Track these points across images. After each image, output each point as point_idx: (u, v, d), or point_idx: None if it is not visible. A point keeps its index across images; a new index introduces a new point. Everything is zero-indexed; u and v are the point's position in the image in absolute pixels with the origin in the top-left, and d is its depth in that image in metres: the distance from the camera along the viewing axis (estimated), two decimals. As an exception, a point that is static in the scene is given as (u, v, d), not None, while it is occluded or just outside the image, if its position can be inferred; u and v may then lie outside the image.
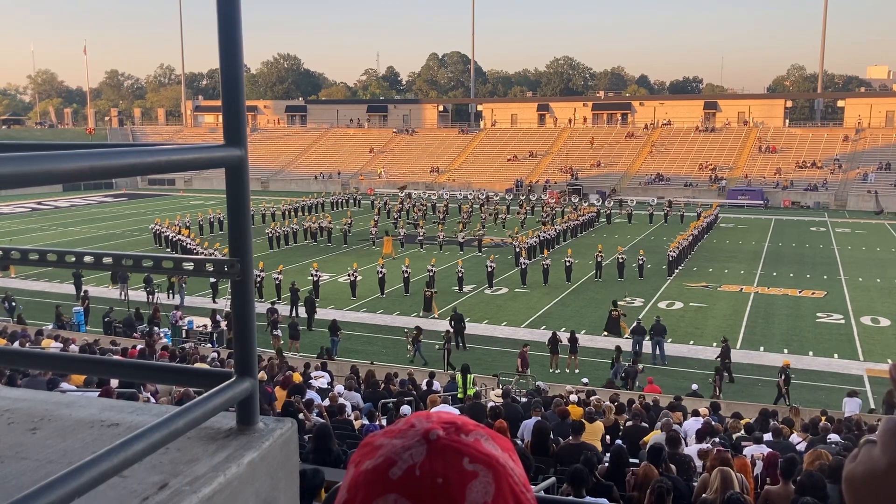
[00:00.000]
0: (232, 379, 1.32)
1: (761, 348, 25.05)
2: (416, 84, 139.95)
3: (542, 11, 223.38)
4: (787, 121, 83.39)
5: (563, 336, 23.53)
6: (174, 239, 40.55)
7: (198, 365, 14.65)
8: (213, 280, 31.87)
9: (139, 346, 17.03)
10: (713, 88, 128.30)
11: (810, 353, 24.51)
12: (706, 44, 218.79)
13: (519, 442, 9.04)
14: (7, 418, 1.44)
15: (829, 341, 25.72)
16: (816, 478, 5.70)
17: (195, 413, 1.20)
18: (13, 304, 26.30)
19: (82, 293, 28.54)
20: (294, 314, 27.76)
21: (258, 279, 31.40)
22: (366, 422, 10.07)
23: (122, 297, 29.80)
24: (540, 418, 10.45)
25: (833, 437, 10.19)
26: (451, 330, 24.37)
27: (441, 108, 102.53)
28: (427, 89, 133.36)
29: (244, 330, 1.35)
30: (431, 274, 31.27)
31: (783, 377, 20.16)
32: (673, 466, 7.01)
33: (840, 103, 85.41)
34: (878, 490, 0.81)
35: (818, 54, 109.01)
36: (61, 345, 17.32)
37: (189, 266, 1.34)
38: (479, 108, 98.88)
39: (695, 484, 6.65)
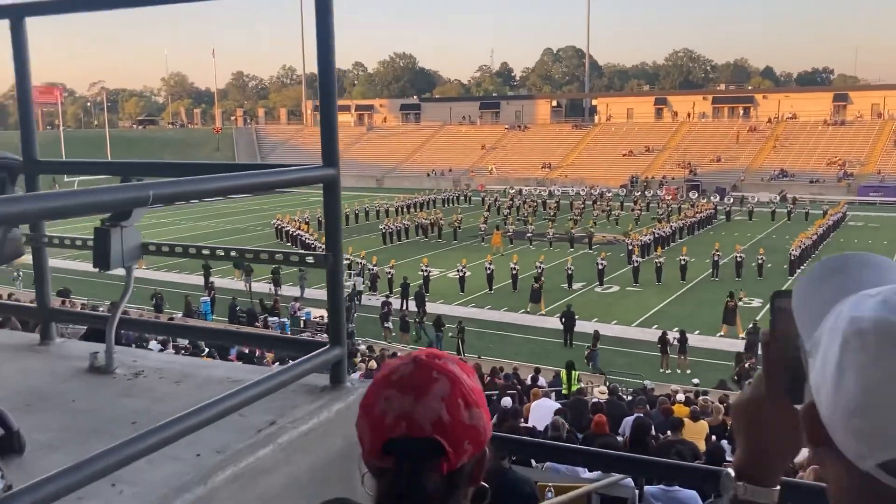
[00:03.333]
0: (325, 347, 1.69)
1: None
2: (530, 80, 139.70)
3: (660, 2, 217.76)
4: (928, 112, 78.16)
5: (673, 336, 23.20)
6: (294, 234, 42.38)
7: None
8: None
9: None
10: (845, 79, 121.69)
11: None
12: (838, 32, 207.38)
13: (619, 438, 9.18)
14: (159, 374, 1.86)
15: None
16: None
17: (296, 371, 1.58)
18: (161, 299, 28.05)
19: (209, 284, 30.35)
20: (405, 307, 28.54)
21: (371, 272, 32.51)
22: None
23: (247, 288, 31.42)
24: (642, 415, 10.53)
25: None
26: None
27: (554, 103, 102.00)
28: (541, 84, 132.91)
29: (336, 307, 1.72)
30: (540, 270, 31.39)
31: None
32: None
33: None
34: (739, 416, 1.06)
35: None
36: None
37: (294, 258, 1.71)
38: (594, 102, 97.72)
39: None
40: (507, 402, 10.34)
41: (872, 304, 0.87)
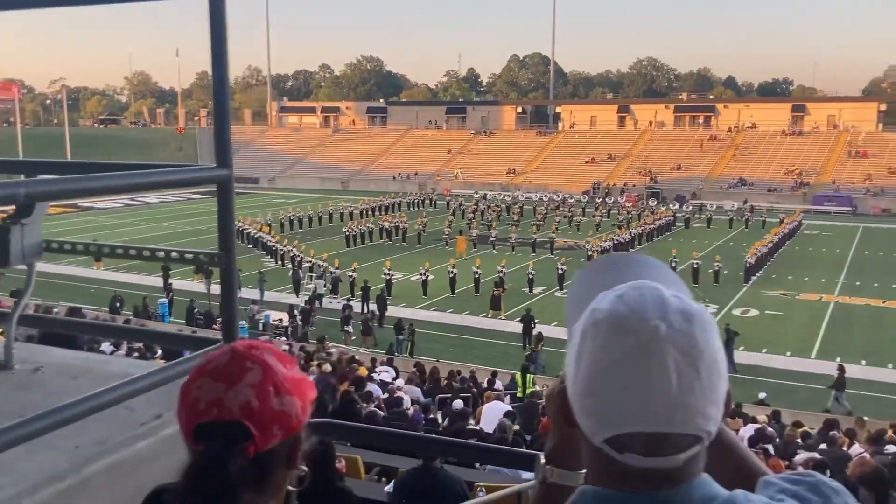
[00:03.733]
0: (218, 343, 1.74)
1: (837, 359, 24.34)
2: (497, 86, 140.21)
3: (625, 12, 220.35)
4: (881, 125, 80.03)
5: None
6: (255, 236, 42.06)
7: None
8: (293, 275, 33.03)
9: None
10: (804, 90, 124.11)
11: (889, 365, 23.73)
12: (798, 44, 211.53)
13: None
14: (57, 370, 1.89)
15: (912, 354, 24.82)
16: (848, 484, 5.79)
17: (185, 366, 1.63)
18: (122, 302, 27.53)
19: (168, 286, 30.01)
20: (365, 311, 28.48)
21: (333, 275, 32.37)
22: (421, 414, 10.52)
23: (208, 291, 31.02)
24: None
25: (891, 447, 10.07)
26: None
27: (519, 109, 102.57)
28: (507, 91, 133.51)
29: (229, 305, 1.77)
30: (502, 275, 31.57)
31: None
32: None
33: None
34: (549, 405, 1.18)
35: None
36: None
37: (189, 256, 1.75)
38: (558, 109, 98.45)
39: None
40: (458, 404, 10.42)
41: (611, 297, 1.00)
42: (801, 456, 9.12)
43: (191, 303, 27.24)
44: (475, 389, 14.91)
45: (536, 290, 32.60)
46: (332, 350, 20.51)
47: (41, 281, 26.29)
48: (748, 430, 10.95)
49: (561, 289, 32.98)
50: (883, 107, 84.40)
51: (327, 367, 12.97)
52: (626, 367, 0.93)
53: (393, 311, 28.48)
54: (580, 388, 0.98)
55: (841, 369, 20.92)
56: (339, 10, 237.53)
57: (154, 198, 69.45)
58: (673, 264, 34.26)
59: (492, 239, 42.85)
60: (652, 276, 1.08)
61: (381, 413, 10.10)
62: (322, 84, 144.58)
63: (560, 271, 33.23)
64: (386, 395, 11.54)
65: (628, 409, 0.93)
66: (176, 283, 31.72)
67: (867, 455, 9.74)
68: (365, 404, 10.21)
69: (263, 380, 1.15)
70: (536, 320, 26.12)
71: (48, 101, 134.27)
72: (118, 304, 26.49)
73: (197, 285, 32.60)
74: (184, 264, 1.79)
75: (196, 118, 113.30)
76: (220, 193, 1.75)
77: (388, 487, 5.17)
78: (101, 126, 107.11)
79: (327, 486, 5.24)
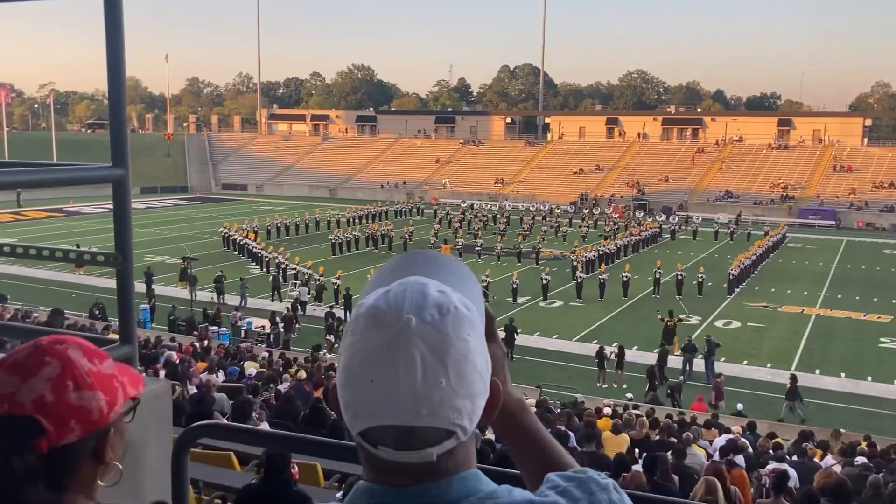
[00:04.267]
0: (115, 344, 1.74)
1: (817, 371, 24.51)
2: (487, 96, 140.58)
3: (616, 24, 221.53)
4: (866, 140, 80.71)
5: (611, 350, 23.51)
6: (241, 242, 41.95)
7: (246, 362, 15.39)
8: (273, 281, 32.99)
9: (195, 343, 17.85)
10: (791, 105, 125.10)
11: (869, 378, 23.85)
12: (786, 59, 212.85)
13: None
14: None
15: (891, 367, 24.93)
16: (811, 494, 5.83)
17: None
18: (103, 308, 27.17)
19: (150, 292, 29.88)
20: (348, 318, 28.38)
21: (318, 283, 32.30)
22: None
23: (192, 297, 30.94)
24: (564, 428, 10.66)
25: (861, 459, 10.11)
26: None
27: (509, 119, 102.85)
28: (497, 101, 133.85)
29: (126, 306, 1.77)
30: (485, 284, 31.57)
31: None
32: (676, 477, 7.19)
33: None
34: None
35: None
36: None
37: (86, 256, 1.75)
38: (547, 120, 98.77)
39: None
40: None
41: (379, 293, 1.01)
42: (770, 466, 9.14)
43: (172, 309, 27.10)
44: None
45: (520, 299, 32.62)
46: (327, 357, 20.45)
47: (21, 285, 26.29)
48: (720, 441, 10.98)
49: (545, 299, 33.04)
50: (868, 122, 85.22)
51: (302, 374, 12.93)
52: (375, 359, 0.94)
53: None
54: (340, 382, 1.00)
55: (793, 379, 21.19)
56: (331, 18, 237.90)
57: (140, 203, 69.17)
58: (657, 275, 34.43)
59: (477, 248, 42.88)
60: (440, 273, 1.08)
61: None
62: (313, 92, 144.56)
63: (544, 281, 33.28)
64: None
65: (377, 402, 0.94)
66: (159, 290, 31.54)
67: (837, 467, 9.80)
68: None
69: (62, 374, 1.14)
70: (519, 330, 26.13)
71: (36, 106, 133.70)
72: (98, 312, 26.28)
73: (181, 292, 32.51)
74: (83, 264, 1.77)
75: (185, 124, 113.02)
76: (115, 193, 1.75)
77: (339, 494, 5.16)
78: (89, 131, 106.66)
79: (284, 489, 5.23)
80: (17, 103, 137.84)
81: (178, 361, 13.65)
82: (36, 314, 22.56)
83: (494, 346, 1.16)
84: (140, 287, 31.82)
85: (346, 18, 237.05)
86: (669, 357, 24.23)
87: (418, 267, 1.10)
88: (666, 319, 26.42)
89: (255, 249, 39.67)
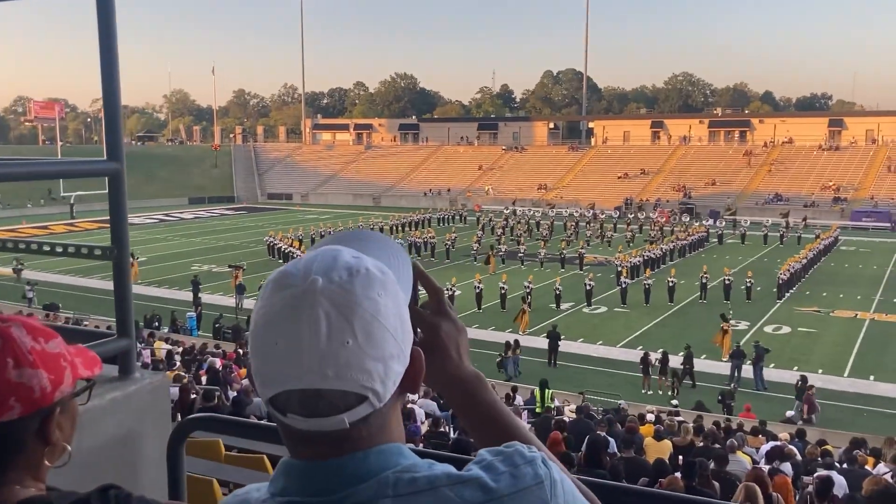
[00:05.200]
0: (112, 337, 1.74)
1: (871, 377, 23.80)
2: (530, 101, 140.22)
3: (660, 26, 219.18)
4: (922, 139, 78.36)
5: (655, 357, 23.18)
6: (286, 251, 42.42)
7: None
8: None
9: (238, 350, 18.08)
10: (843, 105, 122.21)
11: (926, 383, 23.07)
12: (836, 59, 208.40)
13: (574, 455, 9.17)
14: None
15: (948, 373, 24.10)
16: (854, 500, 5.64)
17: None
18: (159, 320, 27.70)
19: (197, 300, 30.40)
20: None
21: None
22: (418, 426, 10.55)
23: (238, 305, 31.31)
24: (604, 434, 10.51)
25: (913, 467, 9.75)
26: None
27: (552, 125, 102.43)
28: (541, 106, 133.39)
29: (123, 300, 1.77)
30: (528, 290, 31.40)
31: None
32: (717, 483, 7.01)
33: (982, 120, 79.54)
34: None
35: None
36: (170, 347, 18.64)
37: (84, 251, 1.76)
38: (591, 125, 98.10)
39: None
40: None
41: (293, 261, 0.99)
42: (817, 474, 8.88)
43: (218, 317, 27.51)
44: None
45: (564, 305, 32.35)
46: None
47: (71, 294, 26.88)
48: (767, 447, 10.71)
49: (589, 305, 32.73)
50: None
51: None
52: (279, 322, 0.92)
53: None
54: (250, 350, 0.97)
55: (803, 379, 21.02)
56: (374, 28, 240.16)
57: (189, 213, 70.52)
58: (704, 280, 33.85)
59: (520, 255, 42.69)
60: (364, 245, 1.06)
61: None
62: (356, 101, 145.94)
63: (588, 287, 32.96)
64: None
65: (282, 365, 0.91)
66: (205, 298, 32.04)
67: (888, 475, 9.47)
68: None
69: (1, 351, 1.12)
70: (563, 336, 25.92)
71: (89, 120, 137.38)
72: (156, 323, 26.76)
73: (227, 300, 32.98)
74: (78, 258, 1.78)
75: (232, 136, 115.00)
76: (110, 187, 1.75)
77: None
78: (139, 143, 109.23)
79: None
80: (71, 118, 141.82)
81: (220, 367, 13.82)
82: (87, 323, 23.09)
83: (443, 320, 1.16)
84: (188, 296, 32.46)
85: (388, 27, 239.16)
86: (719, 363, 23.80)
87: (343, 240, 1.08)
88: (721, 324, 25.97)
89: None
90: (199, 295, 31.30)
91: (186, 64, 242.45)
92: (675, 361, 23.57)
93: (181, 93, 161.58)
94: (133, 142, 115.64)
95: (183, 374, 13.65)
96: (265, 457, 5.88)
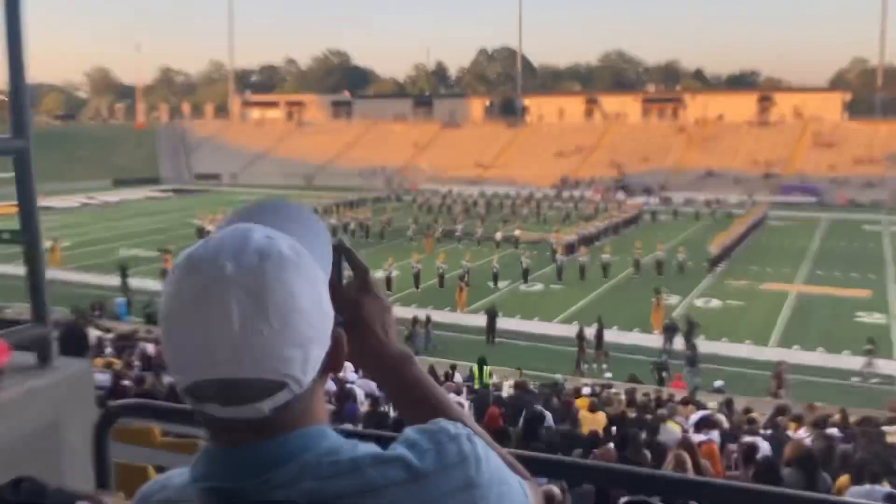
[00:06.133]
0: (27, 325, 1.67)
1: (795, 347, 24.73)
2: (465, 79, 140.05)
3: (593, 3, 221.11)
4: (846, 115, 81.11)
5: (590, 332, 23.60)
6: (219, 232, 41.59)
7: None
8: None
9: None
10: (771, 81, 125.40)
11: (845, 352, 24.05)
12: (765, 36, 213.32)
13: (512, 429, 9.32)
14: None
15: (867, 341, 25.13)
16: (770, 462, 5.88)
17: None
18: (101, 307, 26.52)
19: (126, 285, 29.69)
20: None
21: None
22: (355, 405, 10.64)
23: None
24: (541, 408, 10.68)
25: (832, 430, 10.23)
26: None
27: (487, 102, 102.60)
28: (476, 84, 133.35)
29: (36, 286, 1.70)
30: (466, 269, 31.57)
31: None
32: (647, 452, 7.22)
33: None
34: None
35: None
36: (100, 333, 18.11)
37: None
38: (526, 102, 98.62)
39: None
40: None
41: (202, 241, 0.95)
42: (745, 439, 9.21)
43: (148, 302, 26.86)
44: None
45: (501, 284, 32.63)
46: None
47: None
48: (696, 416, 11.05)
49: (525, 282, 33.09)
50: (848, 97, 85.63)
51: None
52: (189, 310, 0.89)
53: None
54: (162, 335, 0.94)
55: (693, 347, 22.06)
56: (305, 3, 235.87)
57: (113, 196, 68.39)
58: (637, 257, 34.56)
59: (457, 234, 42.82)
60: (279, 221, 1.01)
61: (331, 407, 10.04)
62: (287, 78, 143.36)
63: (525, 265, 33.31)
64: (336, 389, 11.47)
65: (195, 355, 0.89)
66: (135, 283, 31.22)
67: (809, 439, 9.89)
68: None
69: None
70: (500, 314, 26.18)
71: (3, 98, 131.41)
72: (97, 312, 25.78)
73: (157, 285, 32.21)
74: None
75: (157, 114, 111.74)
76: (17, 166, 1.68)
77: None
78: (58, 122, 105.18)
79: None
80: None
81: (153, 353, 13.53)
82: (9, 311, 22.26)
83: (368, 298, 1.15)
84: (115, 281, 31.57)
85: (320, 2, 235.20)
86: (651, 336, 24.47)
87: (256, 214, 1.04)
88: (653, 298, 26.60)
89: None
90: (128, 280, 30.52)
91: (108, 40, 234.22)
92: (612, 336, 24.09)
93: (103, 70, 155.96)
94: (53, 121, 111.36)
95: (114, 360, 13.33)
96: (202, 441, 5.80)
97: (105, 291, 29.84)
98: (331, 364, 0.99)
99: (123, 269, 30.82)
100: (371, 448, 0.97)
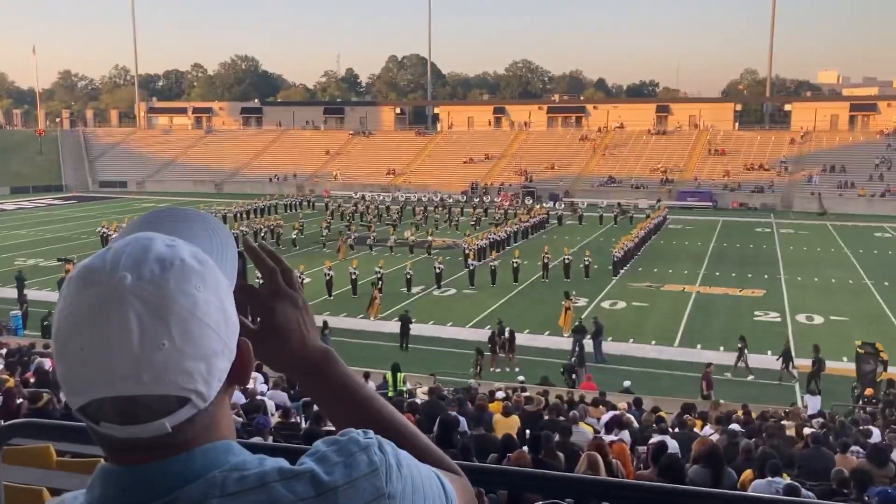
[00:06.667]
0: None
1: (698, 346, 25.67)
2: (376, 86, 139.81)
3: (501, 15, 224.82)
4: (737, 124, 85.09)
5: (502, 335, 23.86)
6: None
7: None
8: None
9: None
10: (669, 92, 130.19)
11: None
12: (662, 49, 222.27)
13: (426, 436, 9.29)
14: None
15: (765, 339, 26.28)
16: (673, 460, 6.08)
17: None
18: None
19: (23, 297, 28.22)
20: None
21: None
22: (265, 418, 10.35)
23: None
24: (455, 413, 10.70)
25: (734, 426, 10.65)
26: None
27: (398, 110, 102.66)
28: (387, 91, 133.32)
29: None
30: (379, 276, 31.43)
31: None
32: (561, 455, 7.34)
33: (787, 107, 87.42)
34: None
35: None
36: (-8, 348, 17.14)
37: None
38: (436, 110, 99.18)
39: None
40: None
41: (101, 251, 0.90)
42: (654, 439, 9.47)
43: (47, 314, 25.63)
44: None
45: (414, 289, 32.66)
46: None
47: None
48: (606, 417, 11.31)
49: (439, 287, 33.22)
50: (739, 107, 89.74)
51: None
52: (84, 325, 0.84)
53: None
54: (53, 354, 0.89)
55: (581, 347, 22.94)
56: (212, 7, 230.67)
57: (10, 204, 65.13)
58: (546, 260, 35.18)
59: (369, 241, 42.64)
60: (181, 228, 0.98)
61: (240, 419, 9.78)
62: (195, 84, 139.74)
63: (437, 270, 33.44)
64: (245, 402, 11.19)
65: (90, 372, 0.84)
66: (32, 295, 29.76)
67: (715, 435, 10.27)
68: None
69: None
70: (414, 319, 26.17)
71: None
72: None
73: (55, 296, 30.80)
74: None
75: (58, 120, 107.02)
76: None
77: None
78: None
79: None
80: None
81: (49, 368, 12.89)
82: None
83: (279, 301, 1.12)
84: (11, 293, 30.02)
85: (227, 7, 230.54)
86: (561, 338, 24.92)
87: (156, 222, 1.00)
88: (563, 302, 27.06)
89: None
90: (25, 291, 29.05)
91: (2, 42, 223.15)
92: (523, 339, 24.43)
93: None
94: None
95: (7, 377, 12.64)
96: (102, 461, 5.55)
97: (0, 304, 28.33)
98: (237, 376, 0.95)
99: (20, 280, 29.32)
100: (279, 463, 0.93)
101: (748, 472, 6.84)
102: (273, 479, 0.89)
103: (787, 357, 22.77)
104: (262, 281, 1.16)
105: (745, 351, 22.94)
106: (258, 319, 1.12)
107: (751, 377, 22.71)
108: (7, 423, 1.59)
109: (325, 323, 24.99)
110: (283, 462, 0.94)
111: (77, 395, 0.86)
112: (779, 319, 29.08)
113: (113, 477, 0.90)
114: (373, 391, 1.20)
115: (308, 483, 0.90)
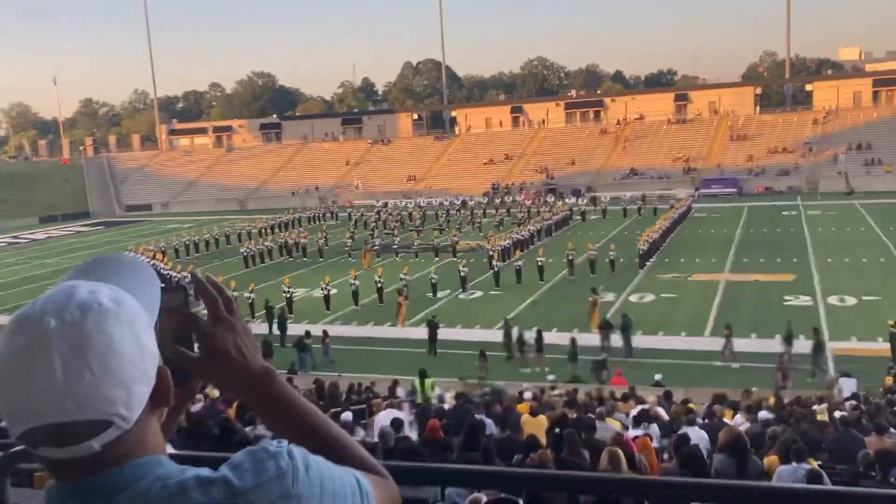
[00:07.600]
0: None
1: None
2: (392, 94, 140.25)
3: (514, 12, 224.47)
4: (758, 108, 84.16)
5: (530, 336, 23.78)
6: (150, 264, 40.59)
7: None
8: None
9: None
10: (687, 80, 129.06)
11: (777, 336, 24.75)
12: (679, 36, 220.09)
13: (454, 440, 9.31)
14: None
15: (796, 324, 25.88)
16: (693, 451, 6.04)
17: None
18: None
19: None
20: (270, 331, 27.86)
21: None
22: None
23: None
24: (482, 417, 10.72)
25: (763, 414, 10.53)
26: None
27: (415, 116, 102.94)
28: (403, 98, 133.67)
29: None
30: (405, 283, 31.51)
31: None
32: (586, 452, 7.32)
33: (808, 87, 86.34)
34: None
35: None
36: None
37: None
38: (453, 114, 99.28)
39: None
40: (346, 417, 10.28)
41: (38, 298, 1.05)
42: (683, 430, 9.42)
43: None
44: (377, 399, 14.78)
45: (440, 294, 32.68)
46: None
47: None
48: (635, 411, 11.24)
49: (464, 291, 33.22)
50: (759, 90, 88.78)
51: (216, 393, 12.63)
52: (16, 365, 0.98)
53: (296, 328, 27.87)
54: None
55: (573, 342, 22.51)
56: (226, 27, 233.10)
57: (41, 234, 66.28)
58: (570, 257, 35.03)
59: (394, 247, 42.77)
60: (107, 274, 1.12)
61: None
62: (213, 104, 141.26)
63: (462, 273, 33.44)
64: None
65: (23, 406, 0.98)
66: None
67: (745, 425, 10.17)
68: (252, 427, 9.97)
69: None
70: (441, 324, 26.15)
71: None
72: None
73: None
74: None
75: (82, 148, 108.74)
76: None
77: None
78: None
79: None
80: None
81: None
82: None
83: (218, 327, 1.23)
84: None
85: (242, 26, 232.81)
86: (591, 335, 24.76)
87: (86, 270, 1.14)
88: (590, 298, 26.89)
89: (163, 270, 38.48)
90: None
91: (25, 75, 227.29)
92: (551, 338, 24.30)
93: (21, 106, 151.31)
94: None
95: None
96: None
97: None
98: (158, 398, 1.08)
99: None
100: (199, 471, 1.05)
101: (773, 459, 6.77)
102: (191, 486, 1.02)
103: (788, 340, 22.36)
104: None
105: (731, 338, 22.77)
106: (201, 346, 1.24)
107: (735, 364, 22.43)
108: (15, 449, 1.68)
109: (324, 332, 25.22)
110: (203, 470, 1.05)
111: (14, 425, 1.00)
112: (810, 303, 28.67)
113: (56, 492, 1.05)
114: (309, 405, 1.31)
115: (222, 487, 1.02)
